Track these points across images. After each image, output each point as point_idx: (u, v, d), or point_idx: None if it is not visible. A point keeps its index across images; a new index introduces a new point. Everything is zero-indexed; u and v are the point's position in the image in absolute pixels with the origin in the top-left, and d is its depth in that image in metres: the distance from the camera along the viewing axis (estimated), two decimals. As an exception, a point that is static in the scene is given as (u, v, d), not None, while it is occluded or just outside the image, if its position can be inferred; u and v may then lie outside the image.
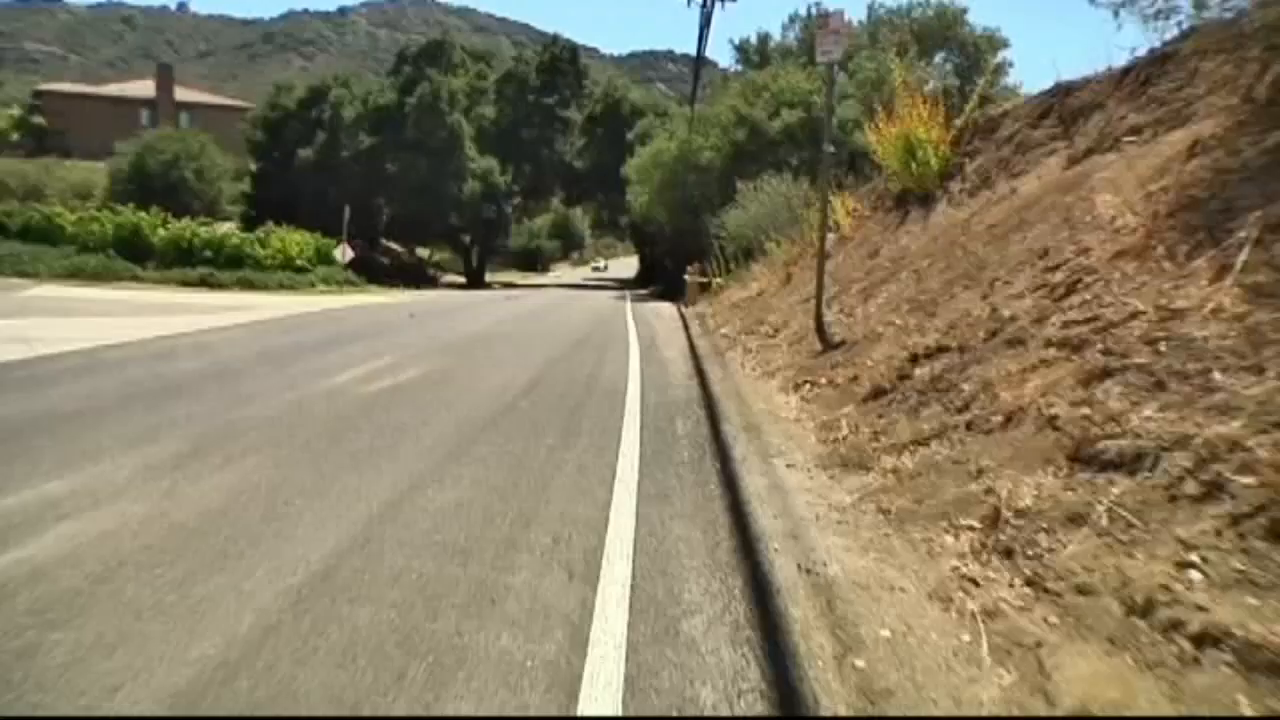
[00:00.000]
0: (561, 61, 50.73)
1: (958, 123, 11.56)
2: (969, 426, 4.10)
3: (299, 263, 28.98)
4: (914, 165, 11.13)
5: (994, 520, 3.14)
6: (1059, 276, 5.25)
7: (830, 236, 13.76)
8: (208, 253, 26.75)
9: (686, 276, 23.05)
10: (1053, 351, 4.22)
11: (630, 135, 41.70)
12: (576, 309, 21.90)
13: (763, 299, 13.22)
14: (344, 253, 29.18)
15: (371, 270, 37.38)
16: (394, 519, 3.84)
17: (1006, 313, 5.18)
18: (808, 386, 6.26)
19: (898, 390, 5.11)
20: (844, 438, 4.81)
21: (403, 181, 40.86)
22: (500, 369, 8.84)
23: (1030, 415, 3.78)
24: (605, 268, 77.61)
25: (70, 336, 10.23)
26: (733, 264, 20.03)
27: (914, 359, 5.39)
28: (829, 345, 7.07)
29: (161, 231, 26.80)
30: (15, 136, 53.72)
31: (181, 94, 55.54)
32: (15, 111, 54.39)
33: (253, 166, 43.50)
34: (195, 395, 6.88)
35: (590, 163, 48.49)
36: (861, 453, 4.46)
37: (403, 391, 7.29)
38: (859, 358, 6.21)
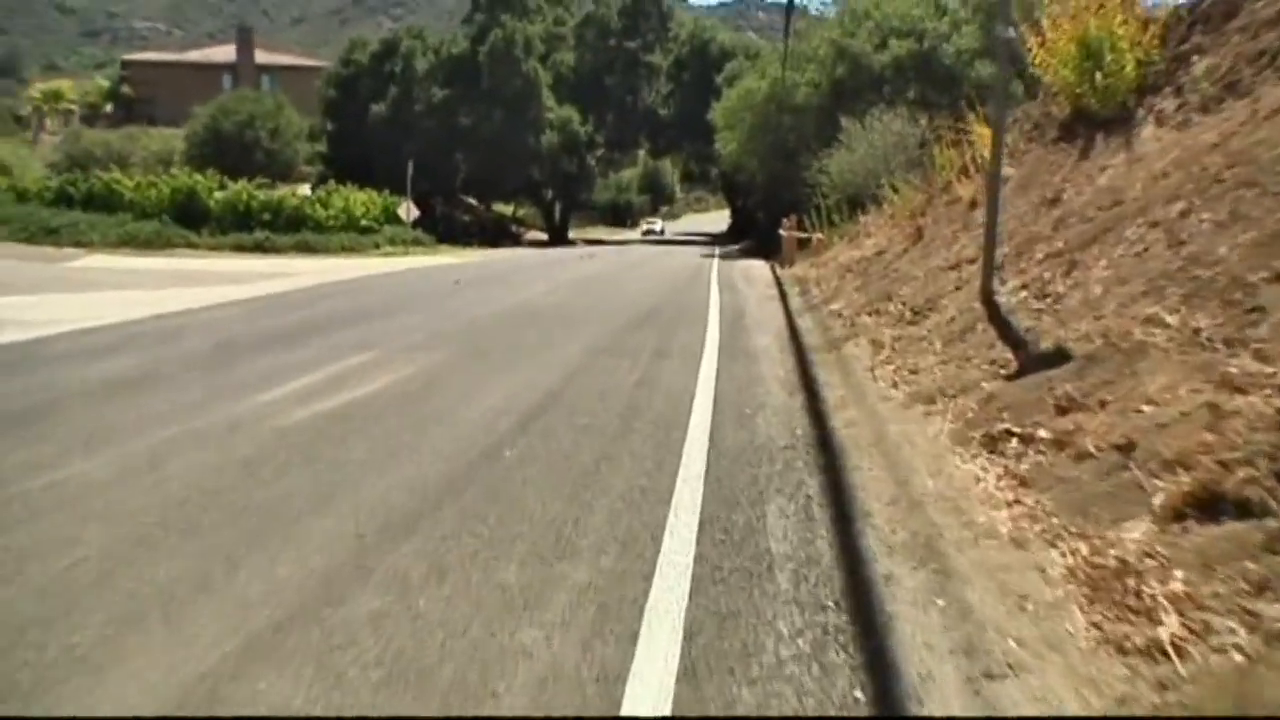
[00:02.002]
0: (645, 3, 47.15)
1: (1158, 11, 8.29)
2: None
3: (364, 223, 27.23)
4: (1099, 75, 7.87)
5: None
6: None
7: (976, 178, 10.47)
8: (266, 216, 25.17)
9: (782, 232, 19.84)
10: None
11: (719, 79, 38.37)
12: (652, 270, 19.09)
13: (884, 260, 10.08)
14: (409, 211, 27.15)
15: (450, 228, 35.56)
16: None
17: None
18: (1016, 444, 3.30)
19: (1273, 508, 2.20)
20: (1178, 643, 1.96)
21: (478, 135, 38.39)
22: (512, 371, 6.23)
23: None
24: (662, 231, 57.17)
25: (57, 318, 8.75)
26: (835, 216, 16.87)
27: (1285, 418, 2.46)
28: (1032, 356, 4.07)
29: (218, 194, 25.31)
30: (108, 108, 54.24)
31: (262, 56, 54.45)
32: (105, 83, 54.90)
33: (329, 126, 42.03)
34: (45, 429, 4.56)
35: (677, 111, 45.69)
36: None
37: (345, 421, 4.77)
38: (1116, 394, 3.25)
